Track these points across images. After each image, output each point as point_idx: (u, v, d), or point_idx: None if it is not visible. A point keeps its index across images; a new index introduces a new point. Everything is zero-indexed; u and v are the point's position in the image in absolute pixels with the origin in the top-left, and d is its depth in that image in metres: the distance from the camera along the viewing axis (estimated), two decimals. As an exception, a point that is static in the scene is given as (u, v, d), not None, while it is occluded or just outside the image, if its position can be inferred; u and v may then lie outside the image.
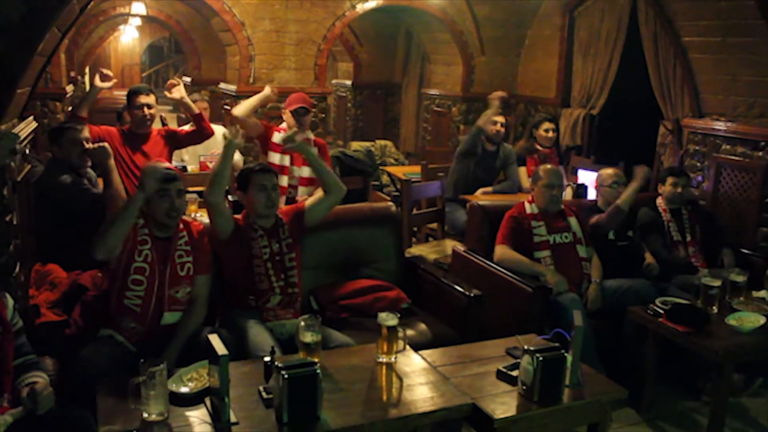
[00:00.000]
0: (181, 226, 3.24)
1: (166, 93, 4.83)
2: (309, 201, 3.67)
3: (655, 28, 6.13)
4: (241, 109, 4.71)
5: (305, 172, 4.68)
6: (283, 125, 4.78)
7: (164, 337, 3.05)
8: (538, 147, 6.12)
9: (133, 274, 3.04)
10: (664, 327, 3.63)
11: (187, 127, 5.53)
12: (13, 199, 3.08)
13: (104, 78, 4.47)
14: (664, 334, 3.67)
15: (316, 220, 3.65)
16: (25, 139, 3.35)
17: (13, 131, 2.41)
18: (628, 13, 6.80)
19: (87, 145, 3.90)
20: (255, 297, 3.31)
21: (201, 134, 4.91)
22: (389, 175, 7.56)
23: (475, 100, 8.79)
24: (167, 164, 3.41)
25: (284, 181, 4.62)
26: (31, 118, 3.77)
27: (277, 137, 4.70)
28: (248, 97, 7.43)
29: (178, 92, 4.77)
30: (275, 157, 4.70)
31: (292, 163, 4.70)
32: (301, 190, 4.71)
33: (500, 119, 5.85)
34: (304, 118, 4.72)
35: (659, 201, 4.79)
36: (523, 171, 5.91)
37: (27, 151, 3.71)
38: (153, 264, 3.08)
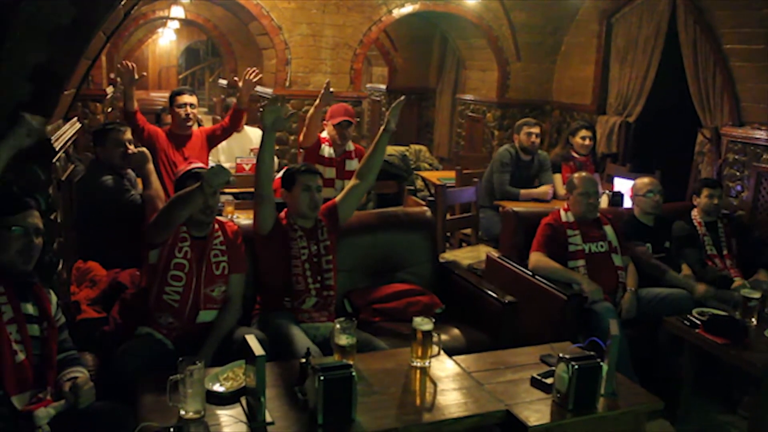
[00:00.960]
0: (216, 226, 3.30)
1: (246, 76, 4.91)
2: (339, 196, 3.70)
3: (694, 34, 6.05)
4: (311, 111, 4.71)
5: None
6: (325, 135, 4.78)
7: (200, 335, 3.11)
8: (574, 154, 6.09)
9: (173, 269, 3.11)
10: (701, 338, 3.59)
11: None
12: (58, 197, 3.15)
13: (130, 74, 4.53)
14: (701, 345, 3.62)
15: (350, 213, 3.69)
16: (69, 139, 3.41)
17: (26, 114, 2.52)
18: (667, 20, 6.72)
19: (129, 148, 3.97)
20: (291, 298, 3.34)
21: (234, 127, 5.07)
22: (423, 179, 7.57)
23: (510, 106, 8.76)
24: (200, 164, 3.48)
25: (330, 193, 4.52)
26: (75, 119, 3.83)
27: (326, 151, 4.72)
28: (286, 100, 7.63)
29: (255, 76, 4.90)
30: (322, 171, 4.66)
31: (337, 176, 4.71)
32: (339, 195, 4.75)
33: (535, 130, 5.85)
34: (348, 130, 4.74)
35: (694, 213, 4.73)
36: (558, 178, 5.89)
37: (70, 151, 3.77)
38: (191, 261, 3.14)
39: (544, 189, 5.74)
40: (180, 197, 3.03)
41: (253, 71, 4.94)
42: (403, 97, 3.88)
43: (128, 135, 4.04)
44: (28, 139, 2.53)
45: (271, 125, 3.22)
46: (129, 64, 4.59)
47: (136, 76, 4.56)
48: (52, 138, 2.92)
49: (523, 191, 5.71)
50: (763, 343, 3.51)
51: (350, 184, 3.71)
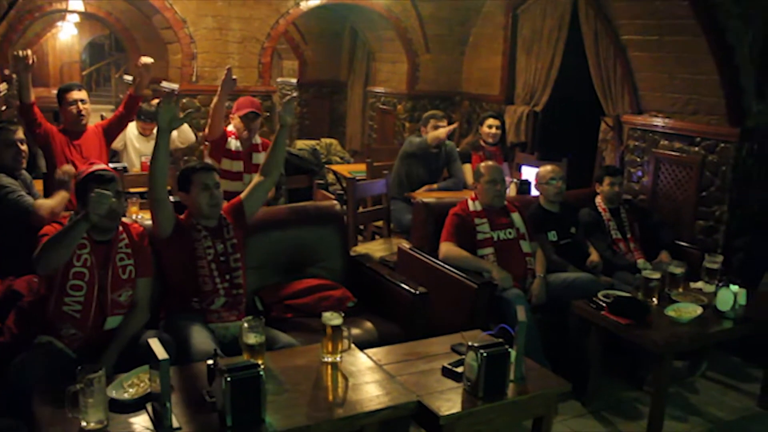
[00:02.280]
0: (121, 228, 3.18)
1: (141, 60, 4.76)
2: (244, 192, 3.63)
3: (595, 26, 6.24)
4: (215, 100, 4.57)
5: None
6: (231, 128, 4.68)
7: (106, 343, 3.00)
8: (483, 144, 6.18)
9: (72, 279, 2.97)
10: (606, 320, 3.71)
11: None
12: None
13: (23, 60, 4.31)
14: (606, 326, 3.74)
15: (256, 209, 3.63)
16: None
17: None
18: (570, 12, 6.91)
19: (21, 147, 3.78)
20: (199, 299, 3.26)
21: (129, 115, 4.90)
22: (335, 173, 7.53)
23: (420, 98, 8.82)
24: (103, 165, 3.30)
25: (237, 187, 4.42)
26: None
27: (233, 144, 4.62)
28: (191, 96, 7.44)
29: (147, 60, 4.76)
30: (229, 164, 4.58)
31: (245, 170, 4.62)
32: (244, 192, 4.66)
33: (442, 123, 5.89)
34: (255, 122, 4.66)
35: (598, 200, 4.91)
36: (468, 168, 5.97)
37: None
38: (92, 268, 3.01)
39: (453, 180, 5.83)
40: (64, 234, 2.84)
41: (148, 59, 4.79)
42: (295, 93, 3.85)
43: (20, 134, 3.85)
44: None
45: (167, 125, 3.10)
46: (22, 51, 4.36)
47: (30, 62, 4.32)
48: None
49: (436, 185, 5.77)
50: (663, 322, 3.66)
51: (254, 180, 3.65)
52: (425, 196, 5.14)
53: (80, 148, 4.53)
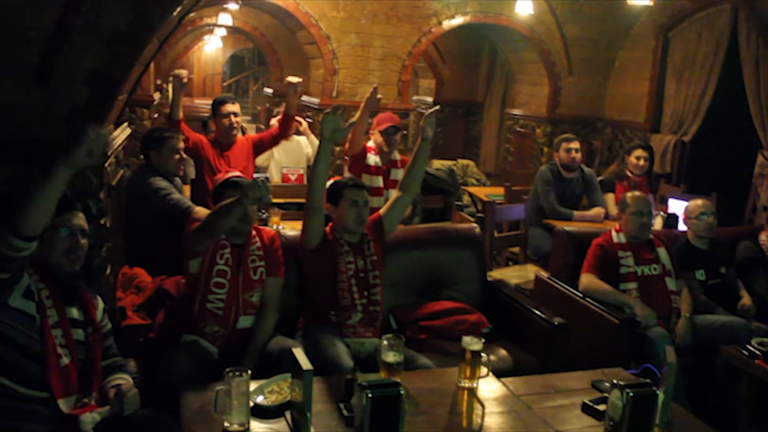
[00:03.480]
0: (254, 232, 3.35)
1: (288, 79, 4.99)
2: (383, 208, 3.71)
3: (757, 51, 5.95)
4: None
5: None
6: (371, 144, 4.80)
7: (241, 341, 3.16)
8: (629, 174, 6.00)
9: (216, 276, 3.16)
10: (761, 370, 3.50)
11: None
12: (108, 202, 3.21)
13: (179, 79, 4.62)
14: (761, 377, 3.53)
15: (395, 225, 3.69)
16: (120, 144, 3.48)
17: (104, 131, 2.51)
18: (728, 36, 6.61)
19: (183, 155, 4.05)
20: (336, 313, 3.35)
21: (282, 135, 5.13)
22: (470, 195, 7.54)
23: (560, 122, 8.69)
24: (238, 173, 3.51)
25: (377, 203, 4.53)
26: (126, 123, 3.93)
27: (372, 159, 4.73)
28: (344, 110, 7.63)
29: (294, 79, 5.00)
30: (368, 180, 4.67)
31: (384, 186, 4.72)
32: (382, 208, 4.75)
33: (574, 145, 5.79)
34: (395, 137, 4.76)
35: (763, 238, 4.62)
36: (610, 198, 5.82)
37: (120, 157, 3.86)
38: (232, 267, 3.19)
39: (597, 211, 5.65)
40: (221, 208, 3.04)
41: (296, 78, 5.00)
42: (437, 106, 3.87)
43: (182, 143, 4.13)
44: (87, 160, 2.30)
45: (330, 135, 3.24)
46: (180, 71, 4.68)
47: (185, 80, 4.63)
48: (105, 143, 2.98)
49: (577, 213, 5.64)
50: (827, 377, 3.41)
51: (394, 196, 3.71)
52: (567, 224, 5.05)
53: (228, 159, 4.78)
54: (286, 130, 5.10)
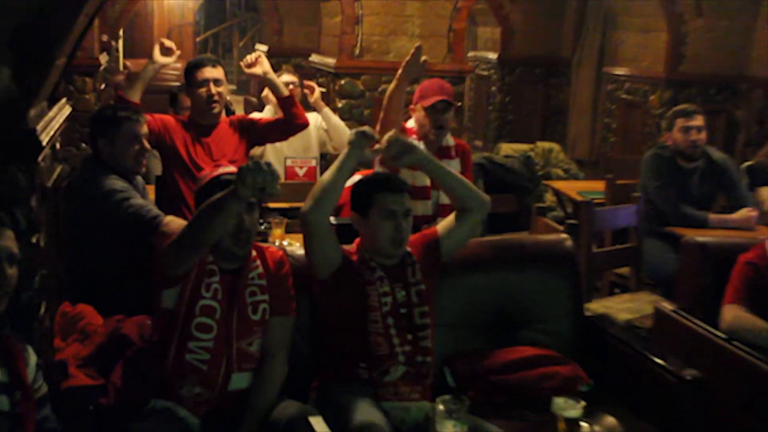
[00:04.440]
0: (254, 253, 3.35)
1: (245, 69, 5.01)
2: (442, 224, 3.72)
3: None
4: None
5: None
6: (412, 125, 4.81)
7: (233, 408, 3.17)
8: (794, 158, 5.95)
9: (200, 316, 3.16)
10: None
11: (267, 114, 5.71)
12: (42, 212, 3.24)
13: (166, 51, 4.70)
14: None
15: (456, 250, 3.70)
16: (57, 129, 3.52)
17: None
18: None
19: (145, 145, 4.11)
20: (368, 366, 3.35)
21: (290, 124, 5.10)
22: (556, 192, 7.51)
23: (685, 85, 8.65)
24: (231, 168, 3.42)
25: (424, 208, 4.57)
26: (64, 100, 3.98)
27: None
28: (353, 76, 7.68)
29: (261, 66, 4.98)
30: (410, 176, 4.56)
31: (433, 185, 4.71)
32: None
33: (695, 122, 5.73)
34: (445, 115, 4.70)
35: None
36: (766, 192, 5.77)
37: (57, 147, 3.91)
38: (223, 303, 3.20)
39: (744, 213, 5.60)
40: (209, 207, 3.02)
41: (248, 59, 5.10)
42: (418, 44, 3.86)
43: (145, 128, 4.18)
44: None
45: (358, 141, 3.36)
46: (168, 41, 4.77)
47: (176, 56, 4.74)
48: (37, 128, 3.01)
49: (714, 216, 5.60)
50: None
51: (455, 214, 3.72)
52: (700, 233, 5.02)
53: (209, 148, 4.81)
54: (294, 116, 5.08)
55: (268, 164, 2.88)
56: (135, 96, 4.68)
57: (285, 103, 5.03)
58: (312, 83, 6.33)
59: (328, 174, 3.37)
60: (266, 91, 5.92)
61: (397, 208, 3.43)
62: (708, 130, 5.88)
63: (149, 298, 3.35)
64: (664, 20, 8.62)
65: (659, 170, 5.77)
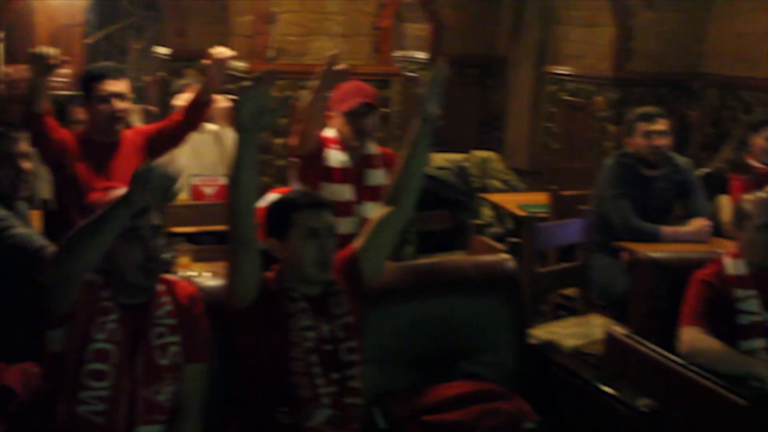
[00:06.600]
0: (163, 287, 3.31)
1: (213, 53, 4.97)
2: (359, 239, 3.69)
3: None
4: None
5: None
6: (331, 133, 4.81)
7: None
8: (754, 163, 6.03)
9: (92, 362, 3.09)
10: None
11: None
12: None
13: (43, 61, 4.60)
14: None
15: (380, 265, 3.70)
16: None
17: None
18: None
19: (23, 166, 4.04)
20: (289, 410, 3.33)
21: (191, 126, 5.07)
22: (495, 207, 7.56)
23: (634, 84, 8.77)
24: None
25: (347, 226, 4.50)
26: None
27: (334, 158, 4.75)
28: (275, 76, 7.59)
29: (224, 52, 4.99)
30: (330, 190, 4.64)
31: (356, 198, 4.74)
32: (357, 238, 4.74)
33: (658, 126, 5.82)
34: (368, 120, 4.74)
35: None
36: (725, 202, 5.88)
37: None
38: (122, 346, 3.14)
39: (698, 225, 5.69)
40: (92, 221, 2.97)
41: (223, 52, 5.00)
42: (443, 64, 3.87)
43: (23, 146, 4.11)
44: None
45: (251, 120, 3.11)
46: (45, 49, 4.67)
47: (54, 63, 4.60)
48: None
49: (667, 229, 5.69)
50: None
51: (377, 216, 3.71)
52: (652, 248, 5.08)
53: (108, 171, 4.71)
54: (195, 120, 5.02)
55: (168, 165, 2.88)
56: (41, 107, 4.54)
57: (200, 105, 4.99)
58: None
59: (233, 176, 3.20)
60: (178, 101, 5.85)
61: (319, 226, 3.42)
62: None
63: (35, 341, 3.28)
64: (610, 13, 8.73)
65: (618, 179, 5.83)
